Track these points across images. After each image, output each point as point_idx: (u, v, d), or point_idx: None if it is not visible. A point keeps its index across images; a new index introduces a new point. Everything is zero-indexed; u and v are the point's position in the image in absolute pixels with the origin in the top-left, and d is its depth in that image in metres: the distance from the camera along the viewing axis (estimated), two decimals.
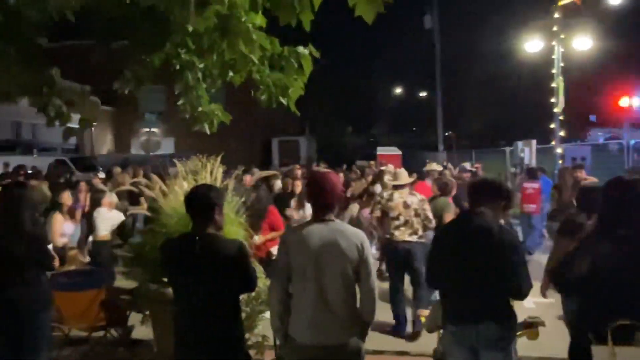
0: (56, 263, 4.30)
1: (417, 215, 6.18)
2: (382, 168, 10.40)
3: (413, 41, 38.46)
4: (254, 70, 3.89)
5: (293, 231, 3.13)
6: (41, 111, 3.75)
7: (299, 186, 7.81)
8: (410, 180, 7.04)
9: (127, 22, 3.51)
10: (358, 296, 3.03)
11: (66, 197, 7.03)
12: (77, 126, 4.40)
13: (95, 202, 7.54)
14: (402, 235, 6.12)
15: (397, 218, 6.19)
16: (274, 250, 5.17)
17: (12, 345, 3.97)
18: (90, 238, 7.41)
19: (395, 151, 23.60)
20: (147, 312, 5.45)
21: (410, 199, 6.24)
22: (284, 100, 4.14)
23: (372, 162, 18.35)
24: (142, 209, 5.38)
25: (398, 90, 48.78)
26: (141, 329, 5.59)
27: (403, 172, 6.64)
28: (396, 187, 6.41)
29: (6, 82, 3.71)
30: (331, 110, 39.60)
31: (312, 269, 2.89)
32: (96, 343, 5.39)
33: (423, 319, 4.79)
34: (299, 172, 9.70)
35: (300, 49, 4.02)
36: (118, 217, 7.47)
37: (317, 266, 2.89)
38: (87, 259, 7.17)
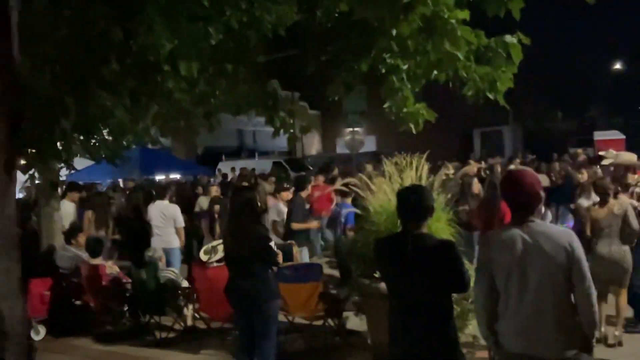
0: (280, 258, 4.75)
1: None
2: (601, 153, 9.30)
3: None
4: (459, 67, 3.79)
5: (495, 235, 2.98)
6: (268, 123, 4.21)
7: None
8: None
9: (337, 33, 3.74)
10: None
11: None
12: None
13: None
14: None
15: None
16: None
17: (249, 328, 4.53)
18: None
19: (617, 135, 20.85)
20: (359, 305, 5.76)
21: None
22: (490, 95, 3.96)
23: (580, 150, 16.56)
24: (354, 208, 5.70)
25: (617, 66, 42.87)
26: (355, 321, 5.90)
27: None
28: None
29: (237, 98, 4.25)
30: (538, 95, 36.58)
31: (515, 275, 2.71)
32: (316, 331, 5.84)
33: None
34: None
35: (508, 37, 3.79)
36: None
37: (521, 272, 2.69)
38: None
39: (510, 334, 2.78)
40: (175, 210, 8.21)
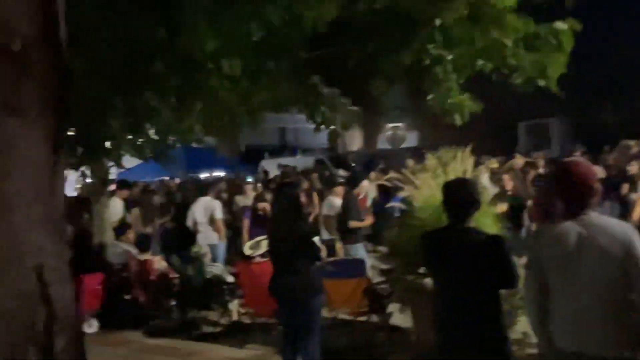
0: (323, 254, 4.76)
1: None
2: None
3: None
4: (508, 55, 3.67)
5: (546, 229, 2.87)
6: (310, 118, 4.21)
7: None
8: None
9: (378, 26, 3.69)
10: None
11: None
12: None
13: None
14: None
15: None
16: None
17: (293, 323, 4.56)
18: None
19: None
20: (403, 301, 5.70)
21: None
22: (542, 82, 3.82)
23: (632, 142, 15.83)
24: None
25: None
26: (399, 317, 5.85)
27: None
28: None
29: (278, 95, 4.27)
30: (587, 85, 35.18)
31: (568, 270, 2.59)
32: (360, 327, 5.82)
33: None
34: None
35: (559, 24, 3.64)
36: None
37: (574, 267, 2.57)
38: None
39: (562, 331, 2.68)
40: (215, 204, 8.42)
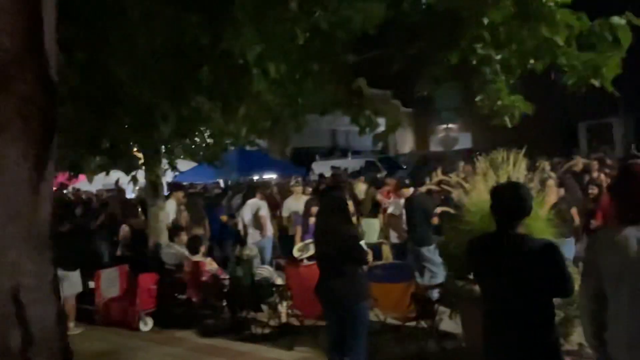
0: (369, 257, 4.71)
1: None
2: None
3: None
4: (559, 54, 3.51)
5: (604, 234, 2.72)
6: (353, 122, 4.18)
7: None
8: None
9: (424, 26, 3.62)
10: None
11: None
12: (382, 129, 4.79)
13: None
14: None
15: None
16: None
17: (339, 326, 4.54)
18: None
19: None
20: (453, 307, 5.56)
21: None
22: (596, 82, 3.63)
23: None
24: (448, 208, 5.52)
25: None
26: (449, 323, 5.72)
27: None
28: None
29: (322, 98, 4.27)
30: None
31: (627, 278, 2.46)
32: (409, 332, 5.73)
33: None
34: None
35: (615, 19, 3.45)
36: None
37: (633, 275, 2.43)
38: None
39: (620, 344, 2.54)
40: (260, 204, 8.64)
